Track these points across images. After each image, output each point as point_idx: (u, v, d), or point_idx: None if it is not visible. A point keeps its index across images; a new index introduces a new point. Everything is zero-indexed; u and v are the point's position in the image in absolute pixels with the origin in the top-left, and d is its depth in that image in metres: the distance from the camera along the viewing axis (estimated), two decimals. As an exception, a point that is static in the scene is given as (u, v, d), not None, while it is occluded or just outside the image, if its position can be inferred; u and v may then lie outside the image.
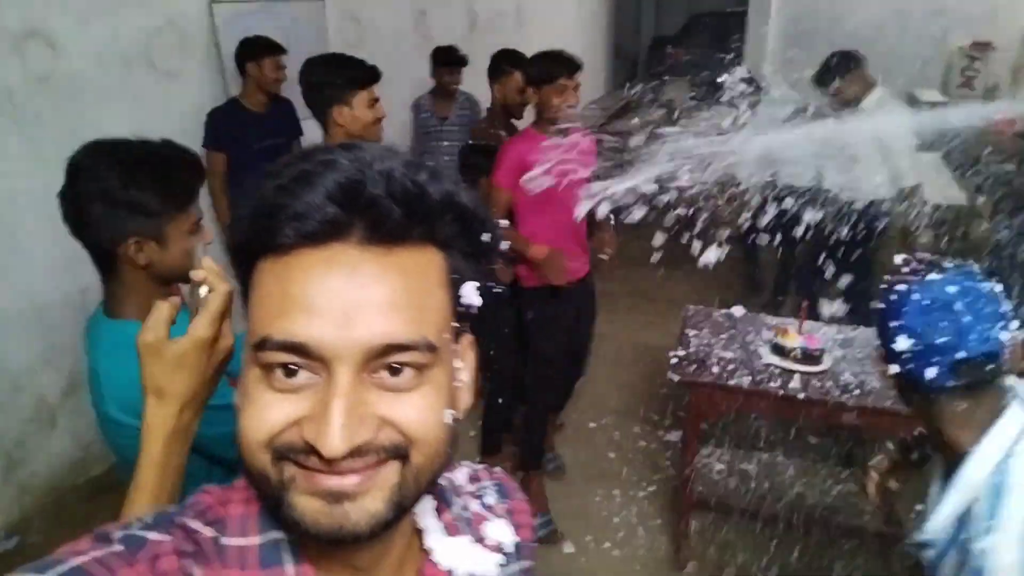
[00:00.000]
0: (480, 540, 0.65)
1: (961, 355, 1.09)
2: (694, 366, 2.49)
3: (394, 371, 0.50)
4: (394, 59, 4.35)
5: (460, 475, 0.71)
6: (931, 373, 1.12)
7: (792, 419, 2.59)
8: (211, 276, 0.81)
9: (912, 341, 1.12)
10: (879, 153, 3.46)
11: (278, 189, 0.49)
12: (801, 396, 2.32)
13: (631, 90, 10.60)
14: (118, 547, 0.52)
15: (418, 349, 0.50)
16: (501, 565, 0.64)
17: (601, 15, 10.06)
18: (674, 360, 2.53)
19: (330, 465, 0.48)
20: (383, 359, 0.49)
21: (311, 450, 0.48)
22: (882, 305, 1.18)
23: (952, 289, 1.11)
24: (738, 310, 2.93)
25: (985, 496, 1.09)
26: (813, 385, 2.37)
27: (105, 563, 0.50)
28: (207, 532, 0.55)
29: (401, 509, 0.52)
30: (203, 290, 0.82)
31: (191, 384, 0.86)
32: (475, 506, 0.68)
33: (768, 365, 2.48)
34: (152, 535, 0.53)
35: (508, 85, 3.45)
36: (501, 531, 0.67)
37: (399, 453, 0.50)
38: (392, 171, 0.50)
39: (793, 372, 2.43)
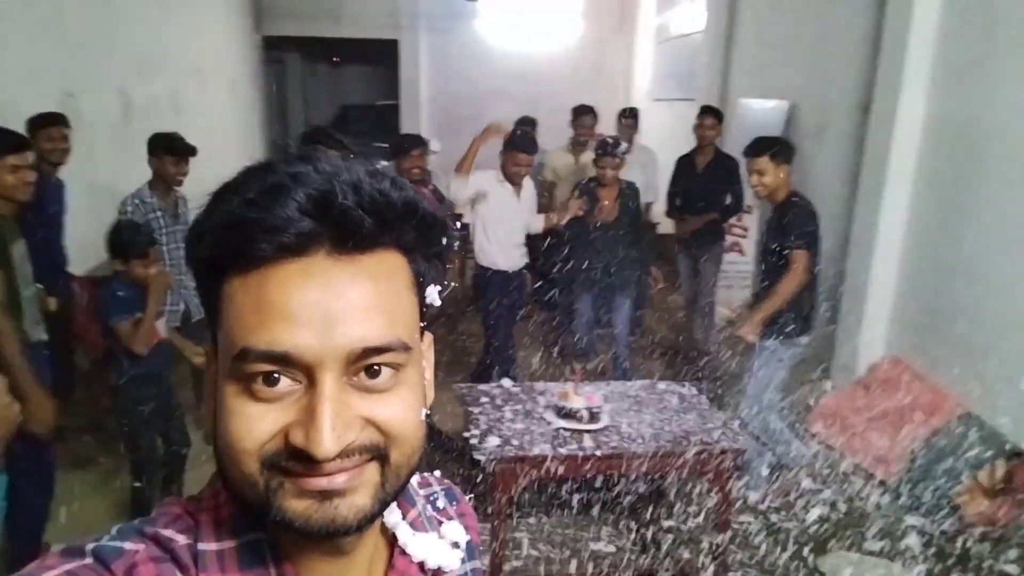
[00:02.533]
0: (441, 538, 0.68)
1: None
2: (496, 443, 2.49)
3: (372, 373, 0.52)
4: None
5: (412, 480, 0.73)
6: None
7: (581, 477, 2.75)
8: None
9: None
10: None
11: (247, 203, 0.50)
12: (598, 453, 2.47)
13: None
14: (89, 560, 0.51)
15: (394, 350, 0.52)
16: (462, 561, 0.69)
17: (254, 105, 9.78)
18: (474, 440, 2.50)
19: (319, 467, 0.49)
20: (362, 362, 0.51)
21: (299, 455, 0.49)
22: None
23: None
24: (507, 382, 3.02)
25: None
26: (602, 441, 2.54)
27: None
28: (181, 539, 0.55)
29: (385, 504, 0.54)
30: None
31: None
32: (429, 509, 0.71)
33: (559, 430, 2.60)
34: (126, 544, 0.53)
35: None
36: (457, 531, 0.70)
37: (379, 453, 0.52)
38: (359, 181, 0.51)
39: (583, 432, 2.58)
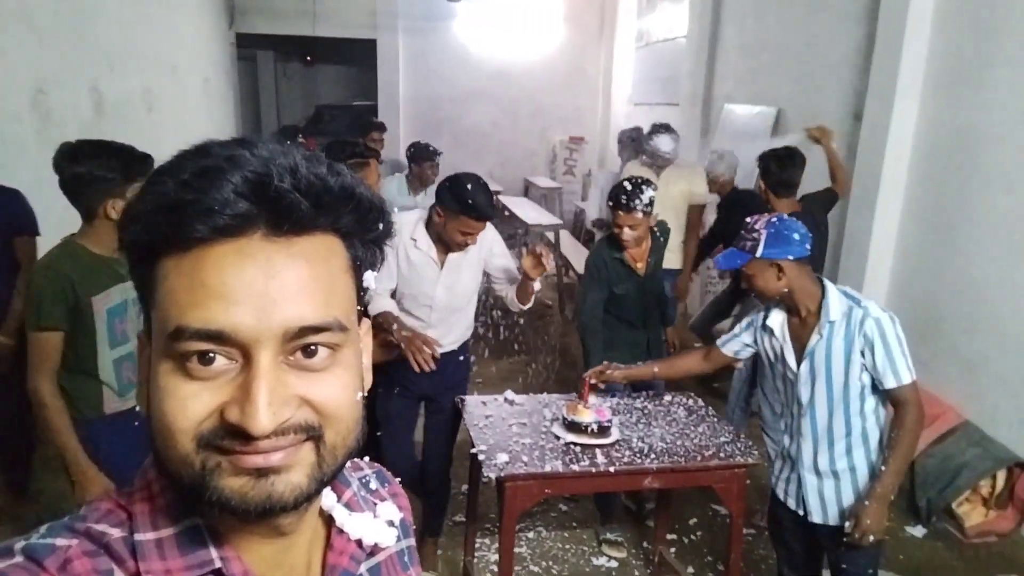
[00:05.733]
0: (376, 518, 0.69)
1: None
2: (505, 459, 2.40)
3: (309, 353, 0.52)
4: (8, 143, 3.61)
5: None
6: None
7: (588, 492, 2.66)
8: None
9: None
10: None
11: (182, 185, 0.49)
12: (612, 470, 2.40)
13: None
14: (19, 558, 0.50)
15: (331, 330, 0.53)
16: (397, 539, 0.71)
17: (227, 102, 9.55)
18: (482, 457, 2.41)
19: (255, 445, 0.49)
20: (299, 341, 0.51)
21: (235, 433, 0.49)
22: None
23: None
24: (510, 394, 2.93)
25: None
26: (615, 457, 2.47)
27: None
28: (115, 533, 0.54)
29: (322, 484, 0.55)
30: None
31: None
32: (363, 491, 0.72)
33: (569, 444, 2.52)
34: (58, 540, 0.52)
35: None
36: (391, 511, 0.71)
37: (314, 433, 0.53)
38: (296, 165, 0.52)
39: (594, 447, 2.50)
